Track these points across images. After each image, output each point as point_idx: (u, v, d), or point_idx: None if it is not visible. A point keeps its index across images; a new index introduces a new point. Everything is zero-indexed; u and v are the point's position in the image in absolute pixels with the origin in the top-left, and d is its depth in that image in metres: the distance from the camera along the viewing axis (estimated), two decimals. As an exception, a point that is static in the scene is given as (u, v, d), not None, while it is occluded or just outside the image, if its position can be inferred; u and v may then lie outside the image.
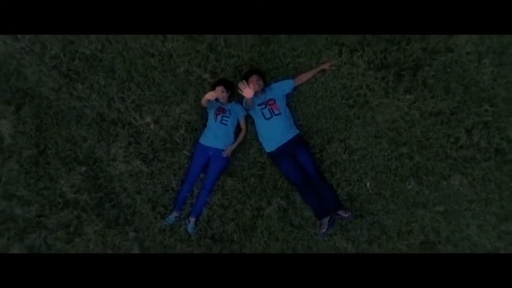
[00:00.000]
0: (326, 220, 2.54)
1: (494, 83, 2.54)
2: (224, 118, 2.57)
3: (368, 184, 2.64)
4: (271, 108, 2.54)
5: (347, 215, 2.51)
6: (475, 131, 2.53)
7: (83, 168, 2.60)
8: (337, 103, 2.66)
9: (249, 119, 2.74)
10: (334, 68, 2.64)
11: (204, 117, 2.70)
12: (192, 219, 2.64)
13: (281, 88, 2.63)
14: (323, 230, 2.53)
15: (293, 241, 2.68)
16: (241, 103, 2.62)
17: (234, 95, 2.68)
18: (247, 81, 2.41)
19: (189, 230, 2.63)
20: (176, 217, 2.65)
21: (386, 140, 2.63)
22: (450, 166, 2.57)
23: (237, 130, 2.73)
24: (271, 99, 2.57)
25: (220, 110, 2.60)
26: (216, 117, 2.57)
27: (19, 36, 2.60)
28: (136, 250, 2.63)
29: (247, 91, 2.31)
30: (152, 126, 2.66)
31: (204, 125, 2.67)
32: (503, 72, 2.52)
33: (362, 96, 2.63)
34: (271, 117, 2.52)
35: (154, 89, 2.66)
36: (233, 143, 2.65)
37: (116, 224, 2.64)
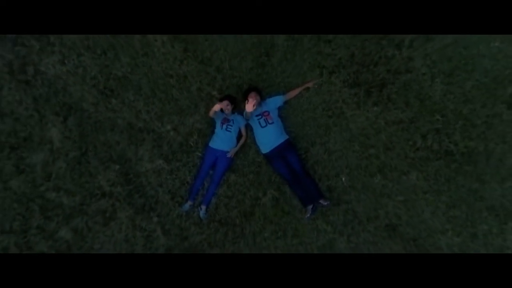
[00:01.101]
0: (310, 207, 3.10)
1: (444, 97, 3.10)
2: (228, 126, 3.15)
3: (343, 179, 3.20)
4: (266, 119, 3.11)
5: (326, 203, 3.07)
6: (429, 136, 3.10)
7: (117, 166, 3.16)
8: (318, 114, 3.24)
9: (248, 127, 3.30)
10: (316, 86, 3.23)
11: (212, 125, 3.26)
12: (203, 207, 3.21)
13: (274, 102, 3.21)
14: (308, 215, 3.11)
15: (284, 224, 3.22)
16: (242, 114, 3.17)
17: (237, 108, 3.26)
18: (247, 97, 3.03)
19: (201, 215, 3.21)
20: (190, 205, 3.22)
21: (358, 143, 3.20)
22: (409, 164, 3.13)
23: (239, 136, 3.28)
24: (266, 111, 3.15)
25: (225, 120, 3.18)
26: (222, 126, 3.15)
27: (65, 61, 3.15)
28: (158, 232, 3.19)
29: (249, 106, 2.89)
30: (171, 132, 3.24)
31: (213, 132, 3.24)
32: (451, 89, 3.07)
33: (338, 109, 3.21)
34: (266, 125, 3.10)
35: (172, 103, 3.26)
36: (236, 146, 3.22)
37: (143, 211, 3.20)
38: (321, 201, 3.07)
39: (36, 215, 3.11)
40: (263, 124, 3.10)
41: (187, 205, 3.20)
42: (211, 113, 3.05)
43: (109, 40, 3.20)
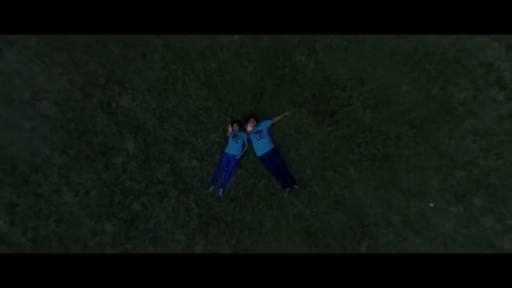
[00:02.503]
0: (287, 190, 4.86)
1: (371, 121, 4.79)
2: (236, 139, 4.92)
3: (308, 172, 4.96)
4: (260, 135, 4.88)
5: (297, 187, 4.84)
6: (362, 145, 4.82)
7: (167, 165, 4.96)
8: (292, 132, 4.99)
9: (249, 140, 5.04)
10: (291, 114, 4.96)
11: (226, 139, 5.02)
12: (221, 189, 4.99)
13: (265, 124, 4.96)
14: (286, 195, 4.87)
15: (271, 201, 4.98)
16: (245, 132, 4.95)
17: (242, 128, 5.00)
18: (248, 121, 4.81)
19: (219, 195, 4.99)
20: (213, 188, 5.00)
21: (317, 150, 4.94)
22: (349, 163, 4.85)
23: (243, 145, 5.04)
24: (260, 130, 4.91)
25: (235, 136, 4.94)
26: (233, 139, 4.92)
27: (135, 99, 4.94)
28: (193, 205, 4.94)
29: (249, 127, 4.71)
30: (201, 143, 5.04)
31: (226, 143, 5.00)
32: (376, 116, 4.76)
33: (305, 128, 4.96)
34: (260, 139, 4.86)
35: (202, 125, 5.03)
36: (241, 152, 4.99)
37: (184, 192, 4.99)
38: (294, 185, 4.84)
39: (117, 195, 4.90)
40: (258, 138, 4.87)
41: (211, 188, 4.97)
42: (227, 133, 4.85)
43: (161, 86, 4.96)
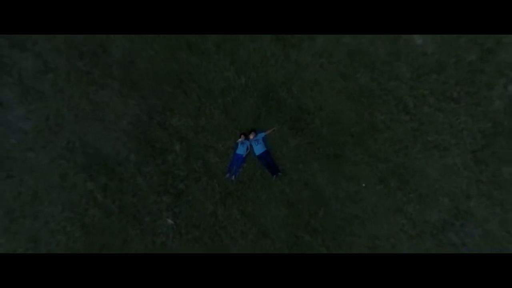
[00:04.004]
0: (274, 176, 7.56)
1: (327, 133, 7.43)
2: (243, 145, 7.61)
3: (281, 171, 7.61)
4: (257, 142, 7.55)
5: (280, 174, 7.53)
6: (321, 149, 7.45)
7: (200, 161, 7.67)
8: (277, 140, 7.65)
9: (250, 145, 7.72)
10: (276, 129, 7.61)
11: (236, 145, 7.69)
12: (233, 176, 7.71)
13: (261, 135, 7.62)
14: (273, 179, 7.57)
15: (264, 183, 7.64)
16: (248, 140, 7.61)
17: (246, 137, 7.68)
18: (250, 133, 7.48)
19: (233, 179, 7.71)
20: (228, 175, 7.71)
21: (293, 152, 7.58)
22: (314, 160, 7.48)
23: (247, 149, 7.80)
24: (257, 139, 7.58)
25: (242, 142, 7.62)
26: (241, 144, 7.60)
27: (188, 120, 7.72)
28: (216, 185, 7.61)
29: (251, 137, 7.41)
30: (221, 147, 7.74)
31: (236, 147, 7.68)
32: (330, 128, 7.41)
33: (285, 138, 7.61)
34: (257, 145, 7.55)
35: (222, 136, 7.71)
36: (246, 152, 7.68)
37: (211, 177, 7.70)
38: (279, 173, 7.52)
39: (170, 179, 7.63)
40: (256, 144, 7.55)
41: (227, 175, 7.69)
42: (237, 141, 7.50)
43: (197, 112, 7.62)
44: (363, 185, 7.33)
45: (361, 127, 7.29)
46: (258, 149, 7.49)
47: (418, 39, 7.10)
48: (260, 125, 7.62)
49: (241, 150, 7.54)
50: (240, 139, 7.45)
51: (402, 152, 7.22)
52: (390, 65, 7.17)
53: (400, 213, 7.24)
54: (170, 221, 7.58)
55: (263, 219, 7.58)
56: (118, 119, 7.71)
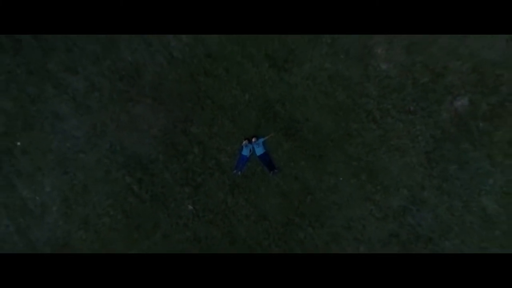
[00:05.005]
0: (271, 172, 9.51)
1: (313, 138, 9.35)
2: (247, 147, 9.55)
3: (277, 168, 9.57)
4: (258, 145, 9.48)
5: (277, 171, 9.47)
6: (308, 151, 9.36)
7: (214, 160, 9.64)
8: (274, 144, 9.58)
9: (253, 147, 9.66)
10: (274, 135, 9.55)
11: (241, 148, 9.64)
12: (239, 172, 9.66)
13: (261, 140, 9.54)
14: (271, 175, 9.52)
15: (263, 178, 9.56)
16: (251, 143, 9.54)
17: (250, 142, 9.62)
18: (252, 138, 9.43)
19: (239, 174, 9.67)
20: (235, 172, 9.66)
21: (286, 153, 9.51)
22: (302, 159, 9.39)
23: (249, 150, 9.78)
24: (258, 142, 9.50)
25: (246, 145, 9.55)
26: (245, 147, 9.54)
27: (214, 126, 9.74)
28: (226, 179, 9.57)
29: (253, 141, 9.36)
30: (230, 150, 9.69)
31: (241, 149, 9.62)
32: (315, 135, 9.34)
33: (280, 142, 9.53)
34: (258, 147, 9.48)
35: (230, 141, 9.69)
36: (249, 153, 9.63)
37: (222, 173, 9.68)
38: (275, 170, 9.46)
39: (190, 174, 9.64)
40: (257, 146, 9.48)
41: (234, 171, 9.64)
42: (242, 144, 9.45)
43: (210, 122, 9.60)
44: (341, 179, 9.24)
45: (339, 134, 9.20)
46: (259, 151, 9.45)
47: (383, 65, 9.00)
48: (260, 132, 9.57)
49: (245, 152, 9.50)
50: (244, 143, 9.41)
51: (371, 153, 9.11)
52: (361, 85, 9.08)
53: (369, 200, 9.14)
54: (190, 207, 9.64)
55: (263, 205, 9.54)
56: (149, 127, 9.75)
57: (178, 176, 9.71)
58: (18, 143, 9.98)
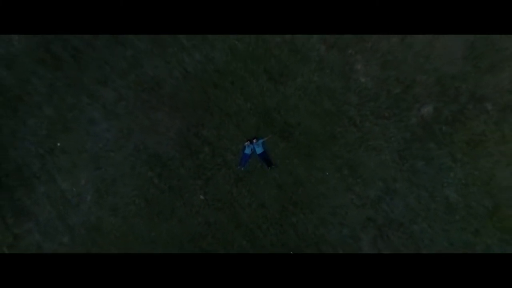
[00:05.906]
0: (269, 167, 11.25)
1: (304, 139, 11.08)
2: (248, 147, 11.27)
3: (278, 162, 11.32)
4: (258, 145, 11.19)
5: (274, 166, 11.21)
6: (301, 150, 11.10)
7: (221, 158, 11.40)
8: (271, 145, 11.29)
9: (254, 147, 11.41)
10: (272, 137, 11.28)
11: (244, 147, 11.37)
12: (243, 168, 11.39)
13: (260, 141, 11.25)
14: (269, 170, 11.25)
15: (263, 172, 11.27)
16: (252, 143, 11.26)
17: (251, 142, 11.35)
18: (253, 139, 11.16)
19: (242, 170, 11.40)
20: (239, 167, 11.40)
21: (281, 152, 11.24)
22: (295, 157, 11.14)
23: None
24: (258, 143, 11.20)
25: (248, 145, 11.26)
26: (247, 147, 11.26)
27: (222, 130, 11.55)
28: (231, 174, 11.33)
29: (254, 141, 11.09)
30: (235, 149, 11.42)
31: (244, 148, 11.34)
32: (306, 136, 11.08)
33: (276, 143, 11.25)
34: (258, 146, 11.18)
35: (235, 142, 11.44)
36: (251, 152, 11.35)
37: (228, 168, 11.43)
38: (273, 166, 11.20)
39: (202, 170, 11.43)
40: (257, 146, 11.18)
41: (238, 167, 11.37)
42: (245, 144, 11.20)
43: (218, 125, 11.38)
44: (327, 173, 10.96)
45: (325, 136, 10.90)
46: (259, 150, 11.15)
47: (362, 78, 10.70)
48: (260, 134, 11.28)
49: (247, 151, 11.21)
50: (246, 143, 11.12)
51: (352, 152, 10.80)
52: (344, 95, 10.77)
53: (350, 191, 10.85)
54: (201, 197, 11.43)
55: (262, 195, 11.27)
56: (167, 131, 11.57)
57: (192, 171, 11.51)
58: (58, 144, 11.89)
